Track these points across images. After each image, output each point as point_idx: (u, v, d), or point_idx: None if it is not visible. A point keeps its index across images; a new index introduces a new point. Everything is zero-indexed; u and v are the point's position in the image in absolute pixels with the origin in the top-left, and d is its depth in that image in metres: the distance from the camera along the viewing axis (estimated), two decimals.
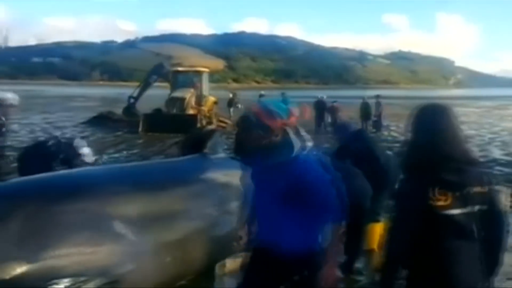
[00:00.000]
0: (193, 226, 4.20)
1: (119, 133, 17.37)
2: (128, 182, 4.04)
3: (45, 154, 5.86)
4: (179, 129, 13.99)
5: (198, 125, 17.47)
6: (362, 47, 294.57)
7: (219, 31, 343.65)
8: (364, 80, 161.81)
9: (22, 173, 5.50)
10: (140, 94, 22.10)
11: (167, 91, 20.63)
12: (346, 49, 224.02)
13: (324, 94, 22.93)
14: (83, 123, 20.39)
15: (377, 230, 5.44)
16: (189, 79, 20.50)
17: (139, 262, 3.56)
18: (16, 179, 3.91)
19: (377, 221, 5.36)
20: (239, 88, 79.40)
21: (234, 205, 4.77)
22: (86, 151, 6.11)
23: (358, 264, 4.85)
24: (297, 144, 2.59)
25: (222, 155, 5.36)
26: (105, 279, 3.22)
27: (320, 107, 19.58)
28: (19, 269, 2.95)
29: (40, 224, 3.16)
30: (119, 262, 3.41)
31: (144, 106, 20.87)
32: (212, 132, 6.06)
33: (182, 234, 4.04)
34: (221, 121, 19.57)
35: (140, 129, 17.54)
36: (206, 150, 5.18)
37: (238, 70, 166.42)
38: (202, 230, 4.25)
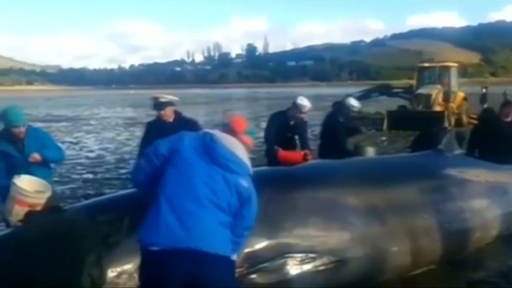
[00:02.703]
0: (424, 219, 4.23)
1: (364, 130, 17.78)
2: (360, 175, 4.33)
3: None
4: (424, 126, 13.51)
5: (445, 122, 16.62)
6: None
7: (473, 22, 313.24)
8: None
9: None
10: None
11: None
12: None
13: None
14: None
15: None
16: (436, 75, 19.72)
17: (367, 248, 3.80)
18: (262, 168, 4.49)
19: None
20: (497, 82, 71.27)
21: (469, 202, 4.59)
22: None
23: None
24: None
25: (458, 151, 5.19)
26: (333, 258, 3.57)
27: None
28: (262, 242, 3.45)
29: (281, 207, 3.65)
30: (347, 246, 3.72)
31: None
32: (446, 129, 5.92)
33: (411, 227, 4.11)
34: (471, 118, 18.15)
35: (384, 126, 17.64)
36: (440, 147, 5.10)
37: (495, 63, 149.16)
38: (433, 225, 4.24)
